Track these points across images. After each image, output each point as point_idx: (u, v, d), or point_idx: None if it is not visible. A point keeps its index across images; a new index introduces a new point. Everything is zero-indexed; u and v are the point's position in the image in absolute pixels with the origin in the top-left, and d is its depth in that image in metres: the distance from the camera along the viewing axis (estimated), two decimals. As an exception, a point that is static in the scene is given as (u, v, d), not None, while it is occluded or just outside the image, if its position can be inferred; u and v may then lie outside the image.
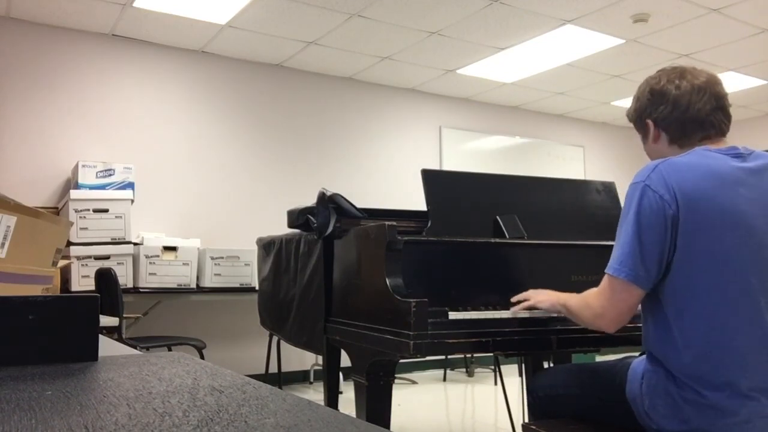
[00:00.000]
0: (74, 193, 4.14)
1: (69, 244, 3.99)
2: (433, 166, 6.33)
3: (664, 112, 1.54)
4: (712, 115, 1.51)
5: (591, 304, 1.51)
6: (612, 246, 1.49)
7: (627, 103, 6.79)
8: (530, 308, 1.80)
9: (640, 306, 1.53)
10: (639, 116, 1.61)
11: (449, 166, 6.39)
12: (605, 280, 1.47)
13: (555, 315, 1.82)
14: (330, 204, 2.24)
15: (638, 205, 1.41)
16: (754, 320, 1.37)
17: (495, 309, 1.87)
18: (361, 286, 2.00)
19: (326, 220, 2.23)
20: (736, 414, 1.35)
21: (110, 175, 4.44)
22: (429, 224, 2.11)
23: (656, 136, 1.59)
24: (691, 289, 1.39)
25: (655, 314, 1.46)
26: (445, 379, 5.59)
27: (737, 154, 1.47)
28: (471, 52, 5.30)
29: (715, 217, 1.37)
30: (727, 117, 1.54)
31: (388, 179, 6.13)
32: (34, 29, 4.67)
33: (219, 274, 4.52)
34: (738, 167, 1.44)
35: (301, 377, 5.50)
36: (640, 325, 1.56)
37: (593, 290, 1.52)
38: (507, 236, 2.15)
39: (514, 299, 1.85)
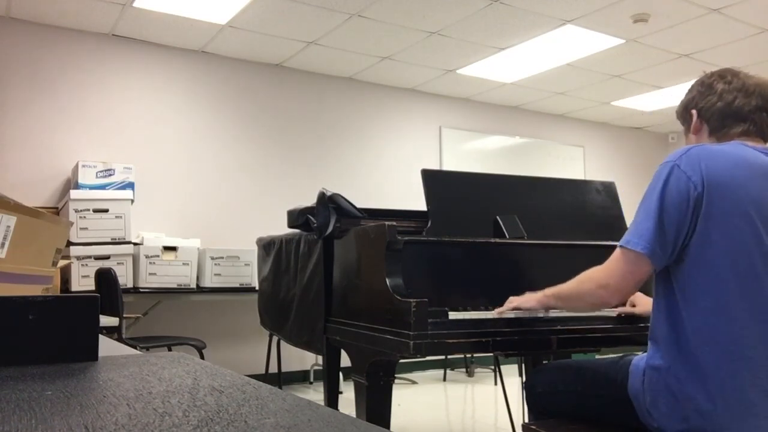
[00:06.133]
0: (74, 193, 4.14)
1: (69, 244, 3.99)
2: (433, 166, 6.33)
3: (709, 103, 1.57)
4: (756, 113, 1.54)
5: (593, 276, 1.51)
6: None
7: (627, 103, 6.82)
8: (515, 309, 1.79)
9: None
10: (685, 107, 1.64)
11: (449, 166, 6.39)
12: (617, 252, 1.47)
13: (542, 316, 1.80)
14: (330, 204, 2.24)
15: (664, 184, 1.41)
16: (763, 316, 1.36)
17: (495, 309, 1.86)
18: (361, 286, 2.00)
19: (326, 220, 2.23)
20: (735, 413, 1.35)
21: (110, 175, 4.44)
22: (429, 224, 2.11)
23: (697, 127, 1.61)
24: (704, 276, 1.38)
25: (668, 299, 1.45)
26: (445, 379, 5.59)
27: None
28: (471, 52, 5.30)
29: (739, 206, 1.37)
30: None
31: (388, 179, 6.13)
32: (34, 29, 4.67)
33: (219, 274, 4.52)
34: None
35: (301, 377, 5.50)
36: (641, 325, 1.56)
37: (595, 267, 1.52)
38: (507, 236, 2.15)
39: (497, 311, 1.83)
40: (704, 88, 1.60)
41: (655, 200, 1.42)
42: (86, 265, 4.07)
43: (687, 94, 1.66)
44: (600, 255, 2.10)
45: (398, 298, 1.74)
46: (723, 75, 1.59)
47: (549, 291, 1.67)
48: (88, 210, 4.13)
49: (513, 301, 1.79)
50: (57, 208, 4.54)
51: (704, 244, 1.38)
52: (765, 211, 1.38)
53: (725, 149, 1.44)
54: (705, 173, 1.38)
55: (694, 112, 1.61)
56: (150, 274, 4.27)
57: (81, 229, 4.09)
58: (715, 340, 1.36)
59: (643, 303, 1.92)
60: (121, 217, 4.22)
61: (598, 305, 1.54)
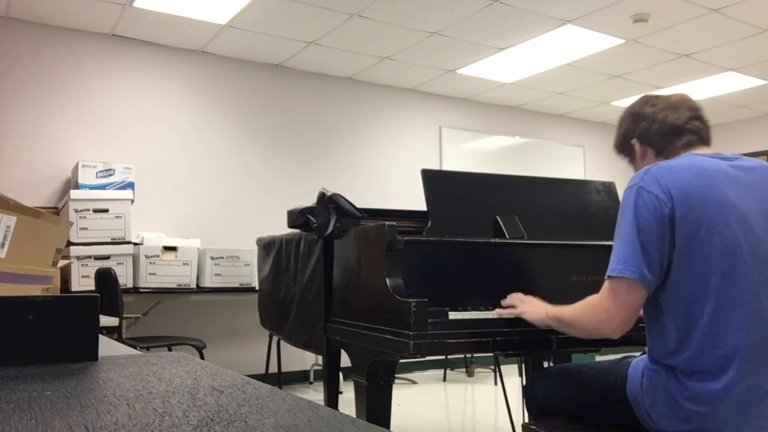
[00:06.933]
0: (74, 193, 4.14)
1: (69, 244, 3.99)
2: (433, 166, 6.33)
3: (644, 129, 1.63)
4: (690, 122, 1.59)
5: (593, 311, 1.49)
6: (612, 246, 1.49)
7: (627, 103, 6.79)
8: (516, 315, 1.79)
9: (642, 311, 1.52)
10: (623, 139, 1.70)
11: (449, 166, 6.39)
12: (607, 284, 1.46)
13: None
14: (330, 204, 2.24)
15: (635, 207, 1.43)
16: (755, 314, 1.37)
17: (495, 309, 1.86)
18: (361, 286, 2.00)
19: (326, 220, 2.23)
20: (734, 414, 1.35)
21: (110, 175, 4.44)
22: (429, 224, 2.11)
23: (642, 153, 1.66)
24: (690, 285, 1.39)
25: (657, 316, 1.46)
26: (445, 379, 5.59)
27: (724, 157, 1.52)
28: (471, 52, 5.30)
29: (711, 212, 1.39)
30: (706, 126, 1.62)
31: (389, 179, 6.13)
32: (34, 29, 4.67)
33: (219, 274, 4.52)
34: (727, 164, 1.49)
35: (301, 377, 5.50)
36: (642, 324, 1.56)
37: (592, 297, 1.51)
38: (507, 236, 2.15)
39: (503, 303, 1.83)
40: (633, 117, 1.66)
41: (630, 225, 1.43)
42: (86, 265, 4.07)
43: (619, 128, 1.71)
44: (600, 255, 2.11)
45: (398, 298, 1.74)
46: (646, 101, 1.65)
47: (552, 312, 1.65)
48: (88, 210, 4.13)
49: (519, 306, 1.78)
50: (57, 208, 4.54)
51: (685, 255, 1.39)
52: (735, 212, 1.40)
53: (680, 163, 1.48)
54: (671, 188, 1.41)
55: (634, 141, 1.66)
56: (150, 274, 4.27)
57: (81, 229, 4.09)
58: (712, 344, 1.37)
59: None
60: (121, 217, 4.22)
61: (599, 336, 1.51)
